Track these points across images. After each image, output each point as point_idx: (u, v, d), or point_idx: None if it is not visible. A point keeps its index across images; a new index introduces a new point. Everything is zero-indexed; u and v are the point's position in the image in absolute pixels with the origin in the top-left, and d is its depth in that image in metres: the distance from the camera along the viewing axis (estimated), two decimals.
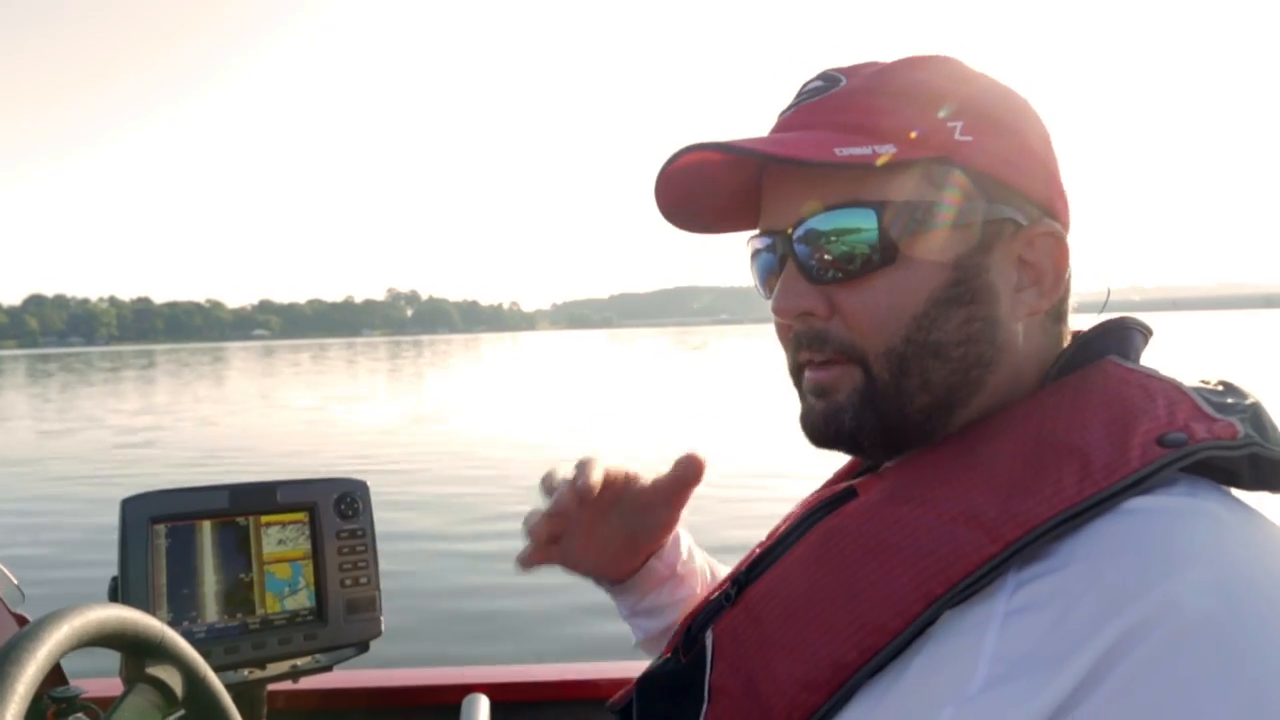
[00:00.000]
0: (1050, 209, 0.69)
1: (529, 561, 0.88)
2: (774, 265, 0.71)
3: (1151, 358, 0.70)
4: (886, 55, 0.71)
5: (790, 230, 0.68)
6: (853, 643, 0.58)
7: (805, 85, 0.72)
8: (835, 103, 0.68)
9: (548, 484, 0.87)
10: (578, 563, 0.91)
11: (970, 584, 0.55)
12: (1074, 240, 0.70)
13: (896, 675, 0.57)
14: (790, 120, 0.71)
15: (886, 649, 0.57)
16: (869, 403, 0.67)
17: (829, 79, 0.70)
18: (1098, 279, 0.74)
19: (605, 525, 0.90)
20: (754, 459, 9.73)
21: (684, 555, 0.97)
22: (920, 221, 0.65)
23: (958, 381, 0.66)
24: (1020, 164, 0.67)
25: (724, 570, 1.02)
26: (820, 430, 0.70)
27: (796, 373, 0.72)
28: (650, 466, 0.90)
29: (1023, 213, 0.67)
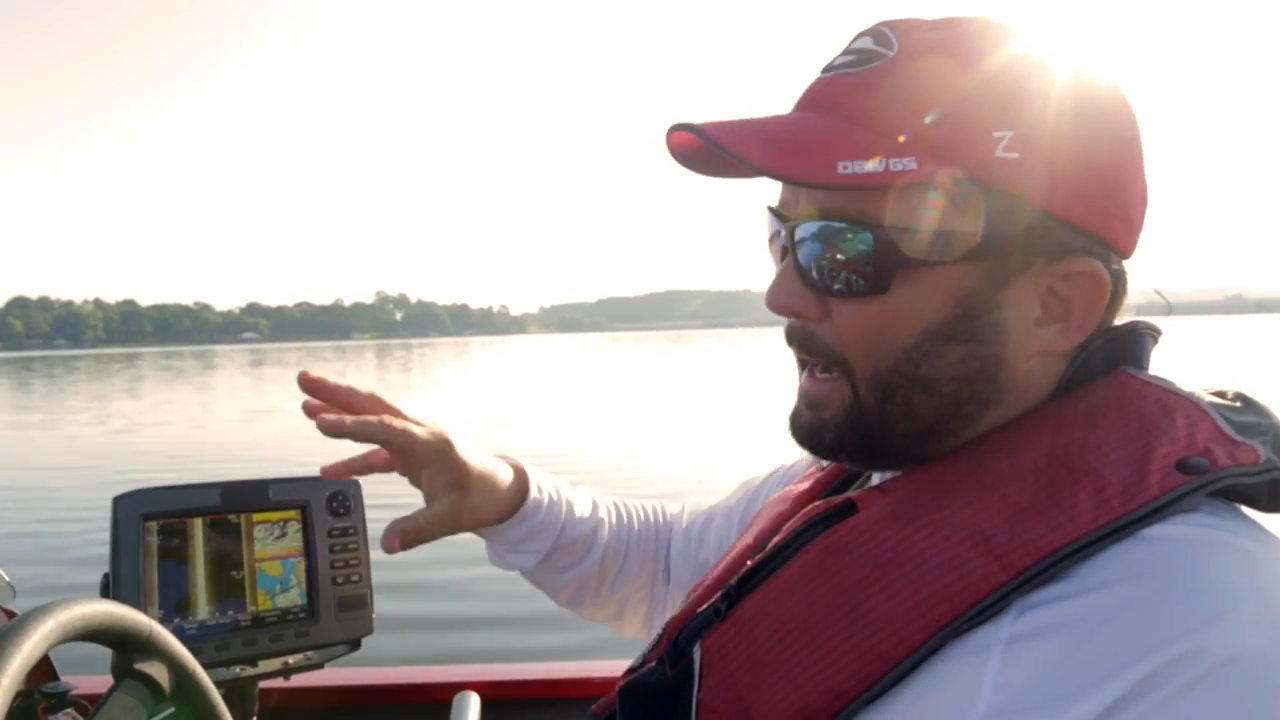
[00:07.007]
0: (1105, 235, 0.61)
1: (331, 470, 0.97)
2: (781, 254, 0.67)
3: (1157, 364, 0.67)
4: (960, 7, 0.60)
5: (794, 224, 0.63)
6: (851, 670, 0.55)
7: (853, 41, 0.64)
8: (870, 81, 0.61)
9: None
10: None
11: (978, 612, 0.53)
12: (1140, 255, 0.64)
13: (892, 703, 0.54)
14: (816, 95, 0.64)
15: (886, 678, 0.54)
16: (852, 423, 0.64)
17: (879, 39, 0.62)
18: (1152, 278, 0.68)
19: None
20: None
21: (543, 509, 0.98)
22: (928, 249, 0.58)
23: (947, 414, 0.63)
24: (1076, 187, 0.59)
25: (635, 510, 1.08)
26: (803, 438, 0.68)
27: (800, 366, 0.69)
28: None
29: (1063, 244, 0.60)
